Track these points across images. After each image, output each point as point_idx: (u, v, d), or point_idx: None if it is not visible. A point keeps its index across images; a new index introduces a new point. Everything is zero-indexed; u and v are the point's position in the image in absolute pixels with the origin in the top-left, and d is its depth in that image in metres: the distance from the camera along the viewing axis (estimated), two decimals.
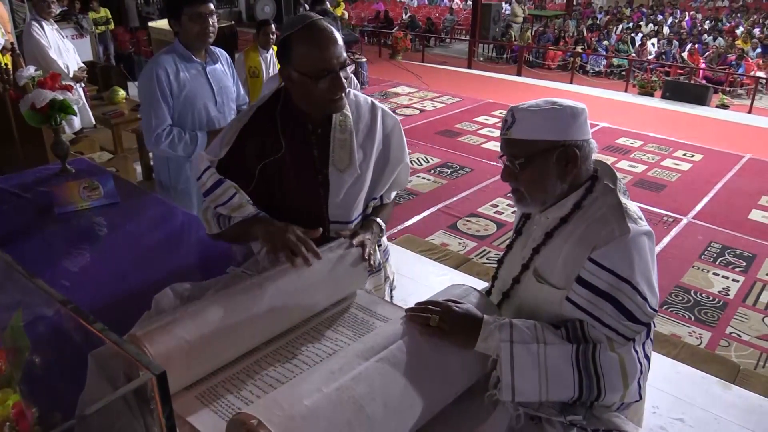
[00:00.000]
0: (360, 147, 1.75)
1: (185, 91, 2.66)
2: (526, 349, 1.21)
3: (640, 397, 1.27)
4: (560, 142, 1.29)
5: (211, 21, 2.62)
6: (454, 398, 1.23)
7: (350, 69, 1.62)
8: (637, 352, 1.24)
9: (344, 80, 1.60)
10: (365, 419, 1.01)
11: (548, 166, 1.30)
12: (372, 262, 1.64)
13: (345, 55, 1.59)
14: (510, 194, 1.42)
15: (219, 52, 2.86)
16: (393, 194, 1.93)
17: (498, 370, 1.21)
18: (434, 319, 1.25)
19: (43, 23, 5.22)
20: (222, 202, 1.65)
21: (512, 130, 1.31)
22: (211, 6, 2.62)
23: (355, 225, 1.79)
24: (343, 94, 1.63)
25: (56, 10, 5.47)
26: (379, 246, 1.94)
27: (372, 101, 1.82)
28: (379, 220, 1.82)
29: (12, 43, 5.65)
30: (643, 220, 1.30)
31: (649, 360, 1.28)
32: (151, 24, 7.92)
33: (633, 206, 1.32)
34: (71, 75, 5.27)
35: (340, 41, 1.58)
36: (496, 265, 1.53)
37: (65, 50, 5.44)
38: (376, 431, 1.02)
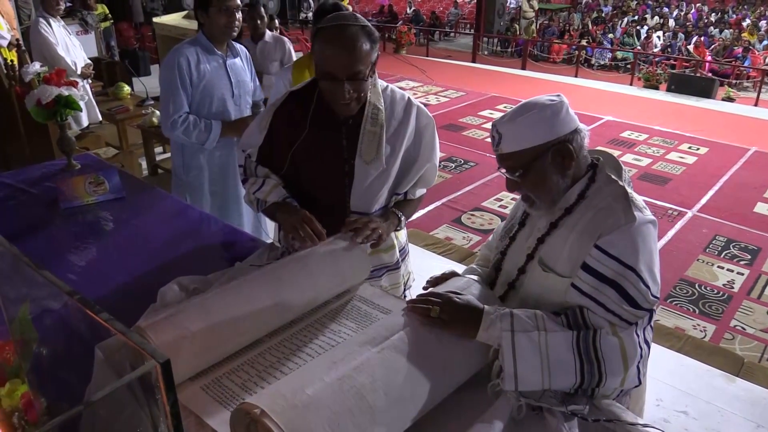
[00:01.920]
0: (388, 141, 1.77)
1: (204, 82, 2.73)
2: (527, 338, 1.22)
3: (640, 382, 1.29)
4: (550, 142, 1.31)
5: (237, 15, 2.70)
6: (455, 388, 1.24)
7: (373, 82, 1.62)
8: (638, 336, 1.26)
9: (349, 92, 1.58)
10: (367, 408, 1.03)
11: (546, 167, 1.33)
12: (376, 237, 1.68)
13: (360, 68, 1.56)
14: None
15: (239, 47, 2.93)
16: (419, 191, 1.94)
17: (500, 359, 1.23)
18: (435, 311, 1.26)
19: (50, 20, 5.23)
20: (254, 190, 1.79)
21: (501, 145, 1.34)
22: (239, 1, 2.70)
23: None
24: (353, 102, 1.64)
25: (63, 6, 5.48)
26: (397, 243, 1.96)
27: (409, 98, 1.85)
28: (397, 211, 1.85)
29: (17, 39, 5.67)
30: (647, 209, 1.32)
31: (649, 346, 1.29)
32: (155, 19, 7.92)
33: (637, 197, 1.34)
34: (79, 72, 5.29)
35: (360, 52, 1.55)
36: (498, 257, 1.54)
37: (72, 47, 5.45)
38: (377, 420, 1.04)
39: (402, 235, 2.02)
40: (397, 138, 1.79)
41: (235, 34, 2.76)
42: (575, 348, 1.22)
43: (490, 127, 1.37)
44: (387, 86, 1.81)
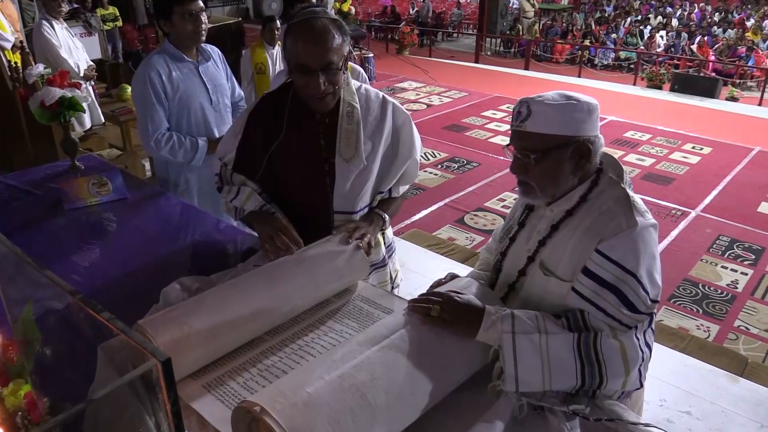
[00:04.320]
0: (368, 138, 1.77)
1: (179, 93, 2.61)
2: (528, 340, 1.22)
3: (641, 385, 1.29)
4: (575, 137, 1.29)
5: (202, 18, 2.58)
6: (456, 386, 1.24)
7: (356, 73, 1.62)
8: (638, 339, 1.26)
9: (323, 84, 1.59)
10: (367, 406, 1.03)
11: (563, 161, 1.30)
12: (365, 245, 1.67)
13: (333, 58, 1.58)
14: (516, 188, 1.43)
15: (210, 49, 2.80)
16: (402, 189, 1.93)
17: (501, 361, 1.23)
18: (436, 310, 1.26)
19: (53, 22, 5.25)
20: (230, 198, 1.78)
21: (527, 123, 1.29)
22: (201, 3, 2.58)
23: (359, 216, 1.81)
24: (328, 95, 1.64)
25: (66, 8, 5.50)
26: (384, 241, 1.96)
27: (383, 96, 1.84)
28: (381, 212, 1.84)
29: (21, 42, 5.69)
30: (648, 212, 1.31)
31: (650, 348, 1.29)
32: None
33: (638, 199, 1.33)
34: (81, 74, 5.30)
35: (332, 44, 1.57)
36: (498, 257, 1.54)
37: (75, 49, 5.46)
38: (377, 418, 1.04)
39: (388, 232, 2.01)
40: (376, 135, 1.78)
41: (203, 38, 2.63)
42: (576, 350, 1.22)
43: (517, 103, 1.33)
44: (360, 85, 1.81)
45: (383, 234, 1.95)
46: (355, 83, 1.80)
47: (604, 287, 1.25)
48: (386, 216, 1.84)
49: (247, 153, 1.79)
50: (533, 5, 16.42)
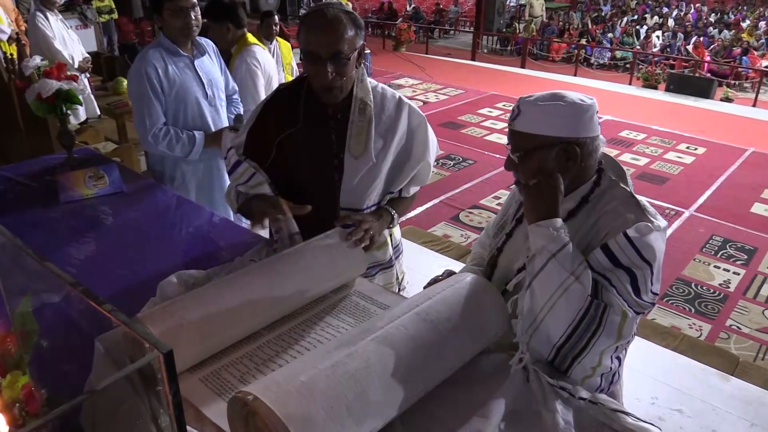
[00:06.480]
0: (380, 136, 1.77)
1: (176, 88, 2.62)
2: (558, 270, 1.24)
3: (611, 369, 1.29)
4: (560, 138, 1.30)
5: (193, 15, 2.57)
6: (450, 373, 1.25)
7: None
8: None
9: (330, 73, 1.59)
10: (360, 393, 1.04)
11: (546, 162, 1.32)
12: (369, 239, 1.67)
13: (343, 48, 1.57)
14: (512, 186, 1.45)
15: (205, 42, 2.80)
16: (413, 190, 1.93)
17: (528, 263, 1.29)
18: (535, 182, 1.31)
19: (48, 14, 5.23)
20: (242, 181, 1.75)
21: (516, 121, 1.34)
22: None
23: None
24: (336, 88, 1.64)
25: (60, 0, 5.48)
26: (391, 241, 1.96)
27: (400, 97, 1.83)
28: (390, 209, 1.84)
29: (17, 33, 5.67)
30: (658, 214, 1.34)
31: (633, 336, 1.32)
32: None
33: (646, 202, 1.35)
34: (76, 66, 5.28)
35: (343, 33, 1.56)
36: (494, 253, 1.54)
37: (70, 41, 5.45)
38: (370, 405, 1.05)
39: (396, 233, 2.01)
40: (388, 134, 1.78)
41: (194, 34, 2.62)
42: (587, 304, 1.24)
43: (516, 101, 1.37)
44: (377, 84, 1.81)
45: (391, 235, 1.95)
46: (371, 82, 1.80)
47: (618, 267, 1.26)
48: (395, 213, 1.84)
49: (259, 137, 1.78)
50: (542, 6, 16.36)
